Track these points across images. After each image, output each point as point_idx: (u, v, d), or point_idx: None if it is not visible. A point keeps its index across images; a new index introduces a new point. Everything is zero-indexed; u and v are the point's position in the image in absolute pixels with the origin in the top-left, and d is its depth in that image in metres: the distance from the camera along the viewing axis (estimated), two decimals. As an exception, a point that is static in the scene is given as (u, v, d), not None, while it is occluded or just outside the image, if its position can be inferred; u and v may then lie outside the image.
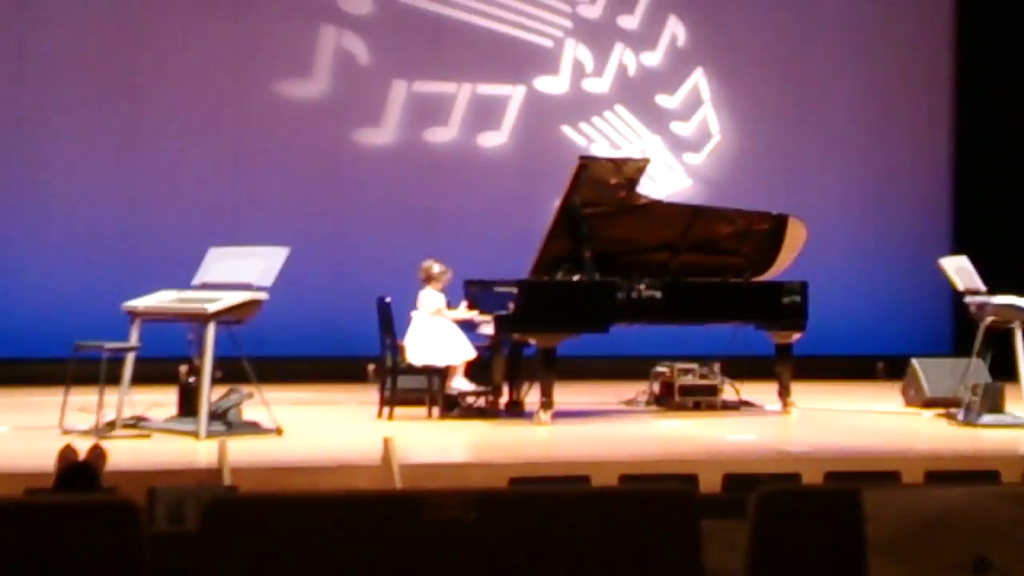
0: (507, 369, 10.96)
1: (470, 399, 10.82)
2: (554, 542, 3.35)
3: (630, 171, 11.01)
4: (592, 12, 14.83)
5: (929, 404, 11.31)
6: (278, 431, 9.26)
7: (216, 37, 13.79)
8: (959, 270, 10.97)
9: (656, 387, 11.59)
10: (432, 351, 10.53)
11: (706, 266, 11.36)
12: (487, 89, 14.52)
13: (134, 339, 9.43)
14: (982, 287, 10.74)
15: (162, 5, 13.66)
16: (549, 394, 10.27)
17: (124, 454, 8.08)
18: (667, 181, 14.82)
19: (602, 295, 10.57)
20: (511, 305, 10.38)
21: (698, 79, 15.05)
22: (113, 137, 13.56)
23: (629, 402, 11.71)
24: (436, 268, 10.75)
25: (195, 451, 8.67)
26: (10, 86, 13.31)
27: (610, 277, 10.67)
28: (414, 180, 14.25)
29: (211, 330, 9.15)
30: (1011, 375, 10.65)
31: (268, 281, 9.41)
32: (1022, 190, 15.36)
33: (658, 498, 3.49)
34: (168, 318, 9.54)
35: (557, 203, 10.79)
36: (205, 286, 9.65)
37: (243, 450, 8.21)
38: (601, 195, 10.89)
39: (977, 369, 10.70)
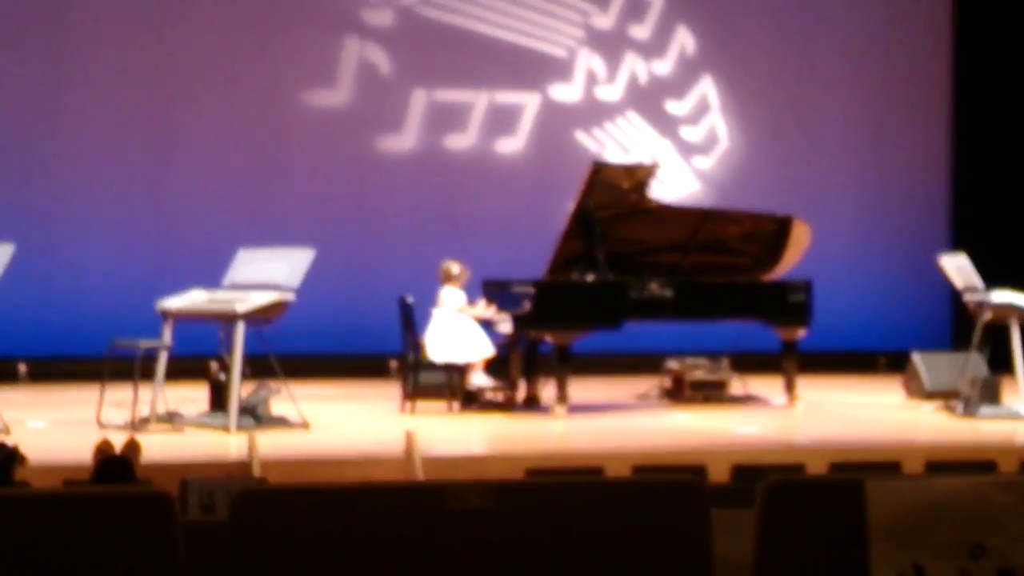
0: (524, 365, 10.97)
1: (488, 394, 10.82)
2: (569, 531, 3.35)
3: (641, 175, 11.01)
4: (604, 23, 14.81)
5: (929, 397, 11.27)
6: (305, 425, 9.27)
7: (245, 49, 13.81)
8: (958, 268, 10.94)
9: (667, 382, 11.57)
10: (452, 348, 10.54)
11: (714, 265, 11.35)
12: (504, 97, 14.52)
13: (167, 338, 9.45)
14: (980, 284, 10.71)
15: (195, 18, 13.69)
16: (564, 389, 10.27)
17: (158, 447, 8.11)
18: (676, 184, 14.79)
19: (615, 294, 10.56)
20: (527, 304, 10.38)
21: (706, 87, 15.02)
22: (147, 144, 13.59)
23: (641, 396, 11.69)
24: (455, 268, 10.75)
25: (226, 444, 8.68)
26: (48, 95, 13.35)
27: (622, 276, 10.66)
28: (434, 184, 14.25)
29: (240, 329, 9.17)
30: (1008, 369, 10.62)
31: (295, 282, 9.43)
32: (1019, 190, 15.31)
33: (669, 488, 3.49)
34: (199, 317, 9.56)
35: (571, 206, 10.79)
36: (235, 287, 9.67)
37: (271, 443, 8.23)
38: (613, 198, 10.88)
39: (975, 363, 10.67)
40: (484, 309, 10.70)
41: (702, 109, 15.02)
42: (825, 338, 12.46)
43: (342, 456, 8.23)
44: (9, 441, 6.15)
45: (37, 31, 13.33)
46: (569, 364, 10.34)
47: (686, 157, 14.99)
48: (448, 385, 10.59)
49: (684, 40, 14.96)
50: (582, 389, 10.92)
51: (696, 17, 15.00)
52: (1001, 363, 10.79)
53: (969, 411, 10.24)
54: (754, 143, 15.09)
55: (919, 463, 7.22)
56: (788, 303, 11.19)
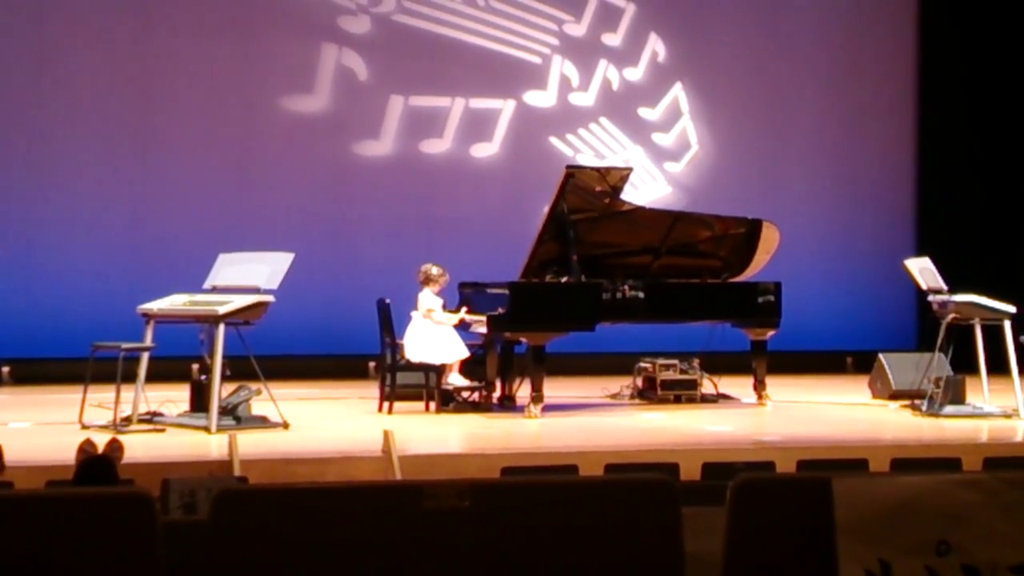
0: (499, 366, 10.96)
1: (465, 394, 10.81)
2: (543, 528, 3.35)
3: (614, 179, 11.01)
4: (578, 30, 14.83)
5: (895, 396, 11.32)
6: (285, 425, 9.25)
7: (224, 56, 13.77)
8: (922, 270, 10.98)
9: (639, 382, 11.58)
10: (428, 350, 10.51)
11: (686, 268, 11.36)
12: (479, 103, 14.51)
13: (149, 339, 9.41)
14: (944, 286, 10.75)
15: (174, 26, 13.64)
16: (539, 389, 10.26)
17: (140, 447, 8.08)
18: (649, 189, 14.82)
19: (588, 296, 10.56)
20: (500, 309, 10.37)
21: (677, 93, 15.05)
22: (128, 150, 13.54)
23: (614, 396, 11.70)
24: (435, 270, 10.73)
25: (207, 444, 8.65)
26: (30, 102, 13.29)
27: (596, 279, 10.66)
28: (411, 189, 14.24)
29: (221, 331, 9.13)
30: (971, 368, 10.66)
31: (274, 284, 9.40)
32: (982, 195, 15.40)
33: (641, 486, 3.49)
34: (180, 320, 9.53)
35: (545, 209, 10.79)
36: (215, 289, 9.64)
37: (252, 443, 8.22)
38: (587, 202, 10.89)
39: (940, 363, 10.71)
40: (450, 318, 10.63)
41: (673, 115, 15.05)
42: (794, 339, 12.49)
43: (321, 455, 8.20)
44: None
45: (18, 36, 13.27)
46: (544, 365, 10.33)
47: (658, 162, 15.02)
48: (425, 385, 10.58)
49: (656, 48, 14.99)
50: (556, 389, 10.92)
51: (667, 25, 15.03)
52: (964, 363, 10.83)
53: (933, 410, 10.28)
54: (724, 148, 15.13)
55: (885, 461, 7.24)
56: (758, 304, 11.21)
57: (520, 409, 10.48)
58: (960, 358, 10.87)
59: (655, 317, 10.86)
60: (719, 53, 15.10)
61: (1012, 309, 10.56)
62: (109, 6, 13.55)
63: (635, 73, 14.95)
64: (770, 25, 15.25)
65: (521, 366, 10.86)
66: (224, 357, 9.13)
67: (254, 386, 9.31)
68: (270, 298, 9.34)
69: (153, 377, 9.47)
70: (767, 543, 3.45)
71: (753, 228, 11.49)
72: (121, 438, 6.08)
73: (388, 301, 10.63)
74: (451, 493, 3.29)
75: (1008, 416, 10.32)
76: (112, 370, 9.05)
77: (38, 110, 13.31)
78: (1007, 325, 10.50)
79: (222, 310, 9.17)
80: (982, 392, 10.57)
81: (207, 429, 8.96)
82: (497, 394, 10.93)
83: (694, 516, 3.47)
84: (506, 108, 14.58)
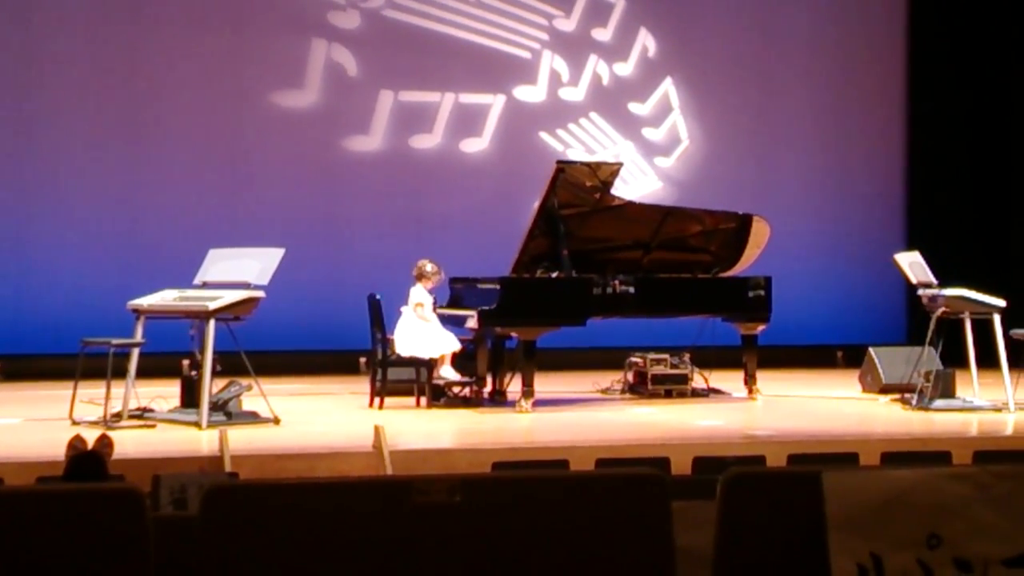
0: (490, 360, 10.96)
1: (456, 389, 10.80)
2: (534, 523, 3.34)
3: (604, 174, 11.01)
4: (568, 25, 14.82)
5: (885, 390, 11.34)
6: (276, 420, 9.24)
7: (214, 51, 13.74)
8: (912, 264, 11.00)
9: (630, 376, 11.59)
10: (419, 345, 10.51)
11: (676, 262, 11.37)
12: (469, 98, 14.50)
13: (139, 335, 9.40)
14: (934, 280, 10.76)
15: (164, 21, 13.61)
16: (530, 383, 10.27)
17: (130, 443, 8.06)
18: (639, 183, 14.82)
19: (579, 290, 10.57)
20: (492, 304, 10.36)
21: (667, 88, 15.05)
22: (118, 146, 13.51)
23: (605, 391, 11.70)
24: (429, 267, 10.72)
25: (197, 440, 8.64)
26: (19, 97, 13.26)
27: (586, 274, 10.67)
28: (401, 184, 14.22)
29: (211, 326, 9.13)
30: (961, 362, 10.68)
31: (265, 280, 9.40)
32: (971, 190, 15.42)
33: (632, 481, 3.49)
34: (171, 315, 9.52)
35: (536, 204, 10.79)
36: (206, 285, 9.63)
37: (243, 438, 8.21)
38: (577, 197, 10.89)
39: (929, 357, 10.72)
40: (428, 314, 10.60)
41: (664, 110, 15.05)
42: (784, 333, 12.50)
43: (312, 451, 8.20)
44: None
45: (6, 32, 13.23)
46: (534, 359, 10.34)
47: (648, 157, 15.02)
48: (416, 380, 10.58)
49: (646, 42, 14.99)
50: (547, 384, 10.92)
51: (657, 20, 15.03)
52: (954, 357, 10.85)
53: (923, 404, 10.30)
54: (715, 143, 15.13)
55: (875, 454, 7.25)
56: (748, 299, 11.22)
57: (511, 404, 10.49)
58: (950, 352, 10.89)
59: (646, 312, 10.87)
60: (709, 48, 15.10)
61: (1002, 303, 10.58)
62: (97, 1, 13.52)
63: (625, 68, 14.95)
64: (760, 19, 15.25)
65: (512, 361, 10.86)
66: (214, 353, 9.13)
67: (245, 382, 9.31)
68: (260, 294, 9.34)
69: (143, 373, 9.46)
70: (758, 537, 3.45)
71: (743, 223, 11.50)
72: (111, 434, 6.07)
73: (378, 296, 10.62)
74: (442, 488, 3.29)
75: (998, 409, 10.34)
76: (102, 366, 9.04)
77: (27, 106, 13.27)
78: (996, 319, 10.52)
79: (212, 306, 9.17)
80: (972, 386, 10.58)
81: (198, 425, 8.96)
82: (488, 389, 10.93)
83: (685, 510, 3.47)
84: (496, 103, 14.57)
